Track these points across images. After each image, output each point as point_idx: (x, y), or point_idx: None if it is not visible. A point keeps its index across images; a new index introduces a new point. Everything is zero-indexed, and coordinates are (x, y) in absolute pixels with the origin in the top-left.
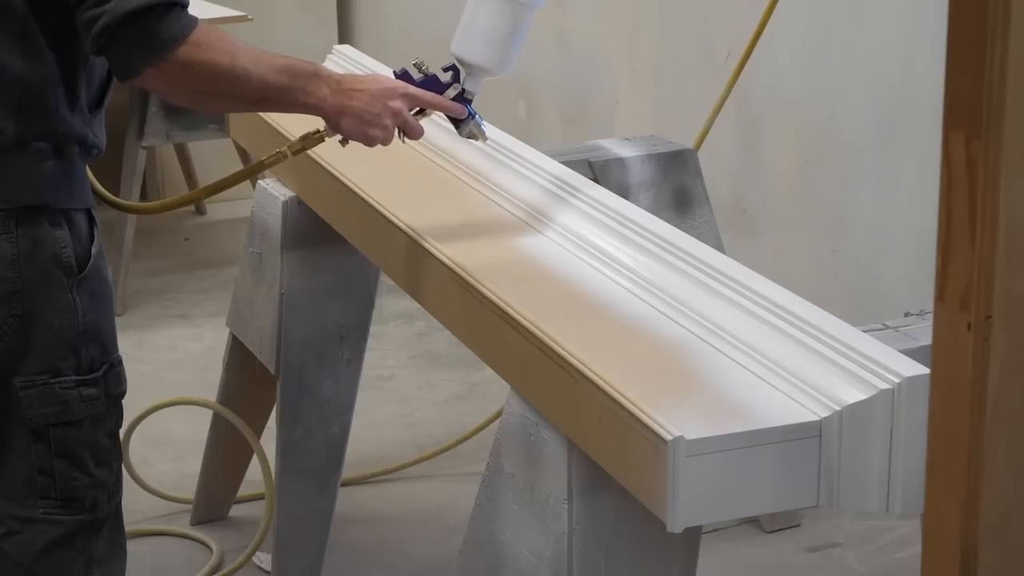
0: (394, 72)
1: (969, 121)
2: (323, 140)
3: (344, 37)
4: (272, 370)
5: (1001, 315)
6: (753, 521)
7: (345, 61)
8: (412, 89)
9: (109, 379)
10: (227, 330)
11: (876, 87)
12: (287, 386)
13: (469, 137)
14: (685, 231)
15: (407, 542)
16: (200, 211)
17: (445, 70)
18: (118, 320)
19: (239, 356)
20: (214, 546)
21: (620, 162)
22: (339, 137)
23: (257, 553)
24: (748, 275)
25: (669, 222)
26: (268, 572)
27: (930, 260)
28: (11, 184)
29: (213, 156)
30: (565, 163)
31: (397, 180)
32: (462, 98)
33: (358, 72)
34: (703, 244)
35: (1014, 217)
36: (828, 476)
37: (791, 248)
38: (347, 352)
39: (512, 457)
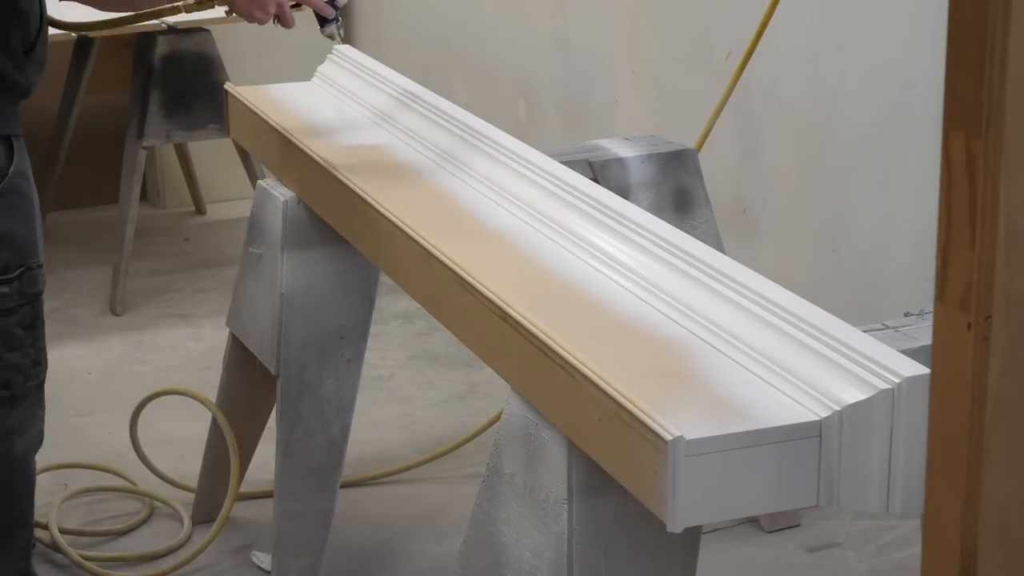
0: None
1: (969, 121)
2: (213, 7)
3: (344, 37)
4: (272, 370)
5: (1001, 315)
6: (753, 521)
7: (345, 61)
8: None
9: (24, 280)
10: (227, 330)
11: (876, 87)
12: (287, 386)
13: (329, 37)
14: (685, 231)
15: (407, 542)
16: (200, 211)
17: None
18: (118, 320)
19: (239, 356)
20: (185, 520)
21: (620, 162)
22: (226, 9)
23: (257, 553)
24: (748, 275)
25: (669, 222)
26: (268, 572)
27: (930, 260)
28: None
29: (213, 156)
30: (565, 163)
31: (398, 180)
32: (333, 3)
33: (356, 71)
34: (703, 244)
35: (1014, 217)
36: (828, 476)
37: (791, 248)
38: (347, 352)
39: (512, 457)
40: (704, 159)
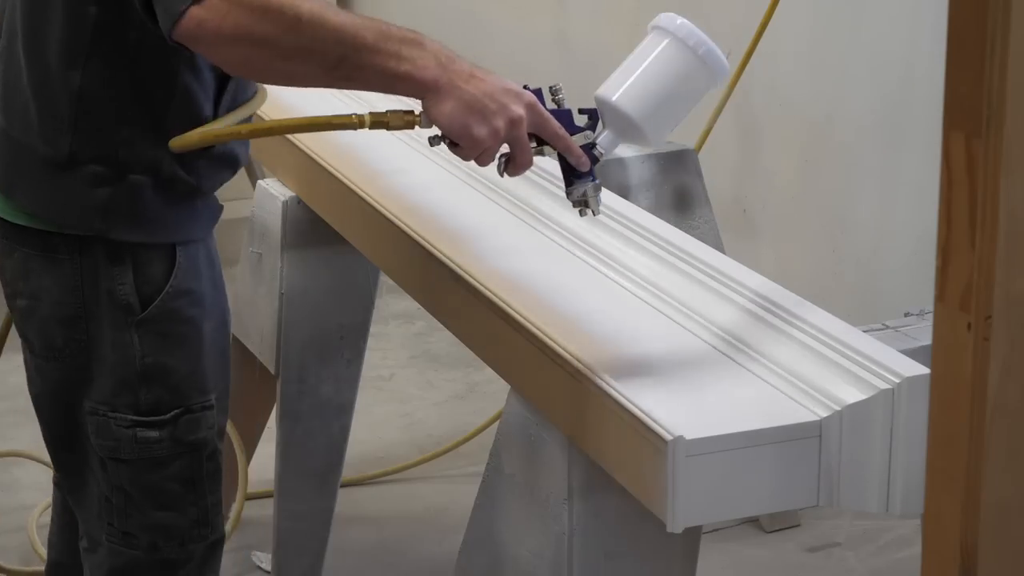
0: (524, 85)
1: (969, 121)
2: (413, 126)
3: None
4: (272, 370)
5: (1001, 315)
6: (753, 521)
7: None
8: (542, 108)
9: (180, 424)
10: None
11: (876, 87)
12: (287, 386)
13: (578, 203)
14: (685, 231)
15: (407, 542)
16: None
17: (581, 112)
18: None
19: (239, 356)
20: None
21: (620, 162)
22: (433, 132)
23: (257, 553)
24: (748, 275)
25: (669, 222)
26: (268, 572)
27: (930, 260)
28: (64, 207)
29: None
30: None
31: (398, 180)
32: (591, 152)
33: None
34: (703, 244)
35: (1014, 217)
36: (828, 476)
37: (791, 248)
38: (347, 352)
39: (512, 457)
40: (704, 159)
